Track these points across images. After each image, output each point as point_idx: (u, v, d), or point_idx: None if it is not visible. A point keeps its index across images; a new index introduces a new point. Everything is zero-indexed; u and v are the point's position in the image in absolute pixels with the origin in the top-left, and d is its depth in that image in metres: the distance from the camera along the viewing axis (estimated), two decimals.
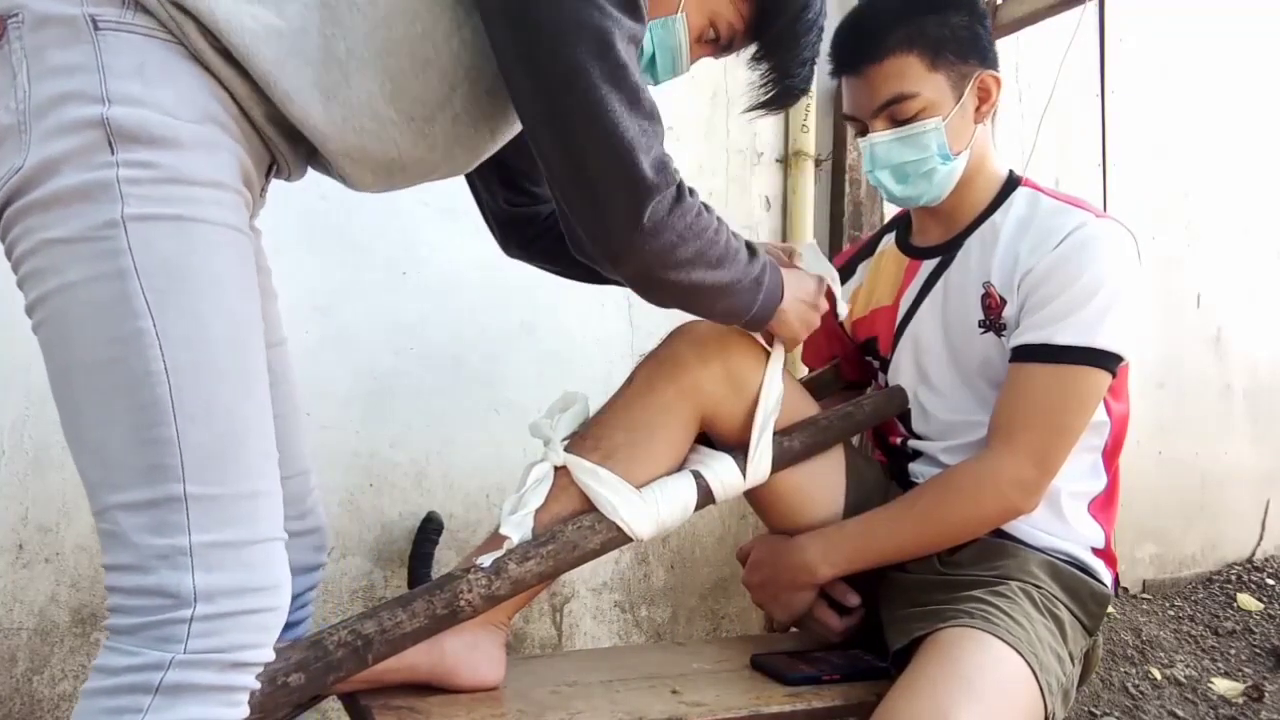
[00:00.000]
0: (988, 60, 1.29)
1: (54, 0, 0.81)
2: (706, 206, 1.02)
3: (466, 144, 1.02)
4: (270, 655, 0.87)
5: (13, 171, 0.80)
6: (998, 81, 1.29)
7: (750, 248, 1.10)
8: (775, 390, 1.24)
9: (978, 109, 1.29)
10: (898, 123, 1.26)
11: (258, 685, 0.87)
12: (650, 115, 0.93)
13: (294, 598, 1.10)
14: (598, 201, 0.93)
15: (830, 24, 1.24)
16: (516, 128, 1.05)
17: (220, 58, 0.85)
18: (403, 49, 0.91)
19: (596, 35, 0.88)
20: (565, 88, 0.89)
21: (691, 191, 0.99)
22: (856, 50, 1.28)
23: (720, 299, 1.07)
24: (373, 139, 0.93)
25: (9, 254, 0.84)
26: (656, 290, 1.04)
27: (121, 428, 0.81)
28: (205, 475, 0.82)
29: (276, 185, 1.03)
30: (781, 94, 1.17)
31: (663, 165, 0.94)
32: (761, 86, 1.16)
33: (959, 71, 1.26)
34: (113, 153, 0.80)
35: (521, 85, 0.92)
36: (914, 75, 1.24)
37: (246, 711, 0.86)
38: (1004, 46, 2.29)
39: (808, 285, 1.23)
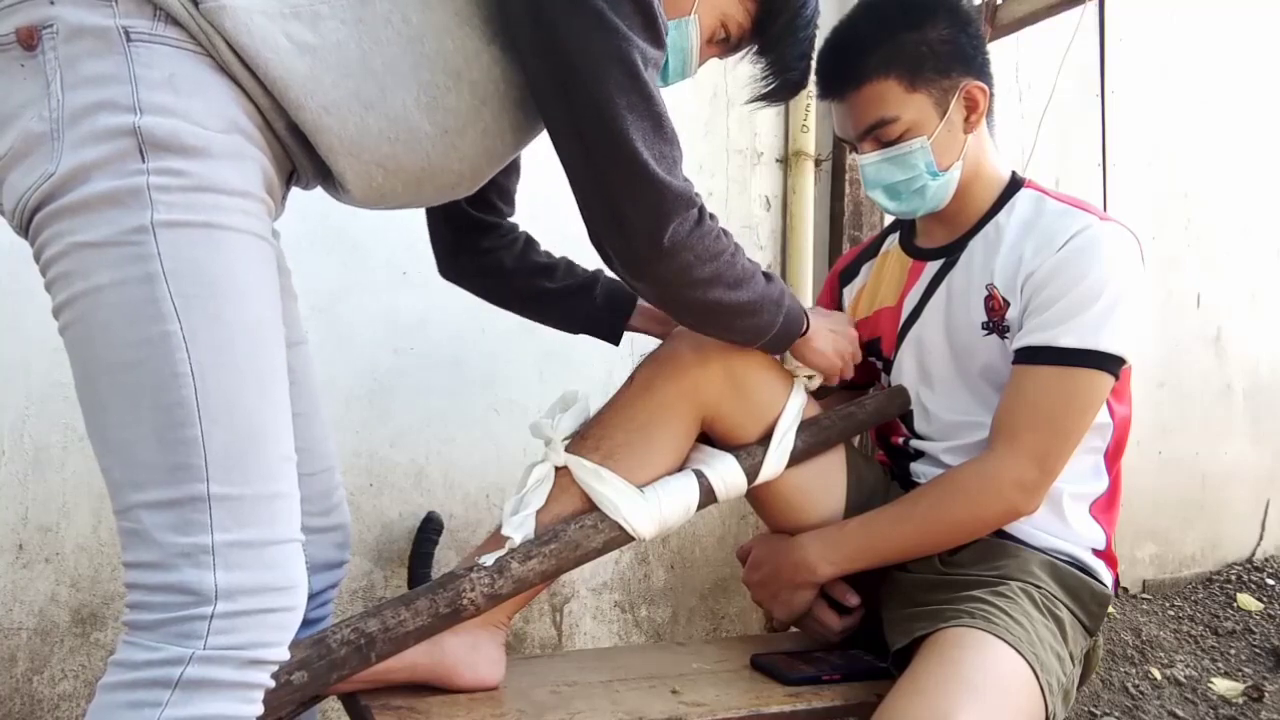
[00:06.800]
0: (973, 68, 1.28)
1: (88, 12, 0.82)
2: (725, 232, 1.07)
3: (492, 155, 1.04)
4: (286, 654, 0.88)
5: (44, 177, 0.81)
6: (984, 91, 1.28)
7: (768, 275, 1.15)
8: (800, 395, 1.26)
9: (966, 120, 1.28)
10: (884, 144, 1.26)
11: (273, 683, 0.88)
12: (672, 141, 0.98)
13: (314, 595, 1.11)
14: (622, 222, 0.99)
15: (825, 27, 1.24)
16: (535, 137, 1.08)
17: (246, 70, 0.87)
18: (436, 63, 0.94)
19: (624, 68, 0.93)
20: (594, 118, 0.94)
21: (712, 216, 1.05)
22: (836, 76, 1.28)
23: (739, 318, 1.12)
24: (405, 148, 0.95)
25: (38, 257, 0.85)
26: (677, 306, 1.11)
27: (146, 428, 0.82)
28: (229, 476, 0.83)
29: None
30: (782, 87, 1.21)
31: (684, 190, 0.99)
32: (762, 80, 1.19)
33: (941, 87, 1.25)
34: (144, 160, 0.81)
35: (553, 114, 0.98)
36: (894, 99, 1.24)
37: (261, 709, 0.86)
38: (1004, 46, 2.29)
39: (837, 317, 1.33)
